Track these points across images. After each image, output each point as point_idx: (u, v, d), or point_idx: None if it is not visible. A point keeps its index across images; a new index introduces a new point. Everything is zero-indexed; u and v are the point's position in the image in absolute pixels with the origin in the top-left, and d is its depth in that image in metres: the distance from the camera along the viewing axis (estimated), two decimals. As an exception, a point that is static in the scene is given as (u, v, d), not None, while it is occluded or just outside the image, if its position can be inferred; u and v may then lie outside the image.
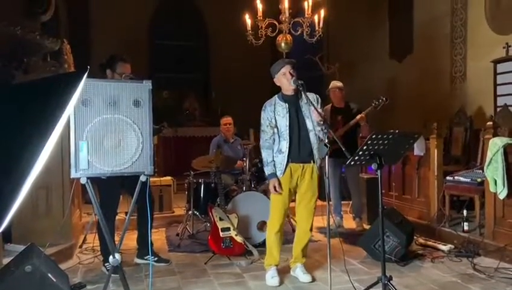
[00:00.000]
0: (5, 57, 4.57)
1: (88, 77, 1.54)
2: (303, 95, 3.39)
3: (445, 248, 4.31)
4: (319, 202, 3.74)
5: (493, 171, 4.00)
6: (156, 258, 4.04)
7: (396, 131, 2.86)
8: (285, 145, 3.48)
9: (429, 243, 4.51)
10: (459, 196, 5.04)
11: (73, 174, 2.51)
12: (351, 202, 5.58)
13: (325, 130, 3.29)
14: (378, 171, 2.82)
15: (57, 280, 2.93)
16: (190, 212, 4.93)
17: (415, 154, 5.08)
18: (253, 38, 6.16)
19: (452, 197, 4.95)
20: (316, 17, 6.11)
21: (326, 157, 3.20)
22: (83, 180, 2.53)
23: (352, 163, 2.86)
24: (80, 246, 4.57)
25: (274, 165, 3.52)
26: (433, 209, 4.93)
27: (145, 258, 3.98)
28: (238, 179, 5.26)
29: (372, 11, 8.71)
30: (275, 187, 3.49)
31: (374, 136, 2.76)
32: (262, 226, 4.50)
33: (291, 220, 4.89)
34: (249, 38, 6.15)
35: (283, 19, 6.04)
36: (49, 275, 2.91)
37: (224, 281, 3.66)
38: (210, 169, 4.98)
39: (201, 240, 4.71)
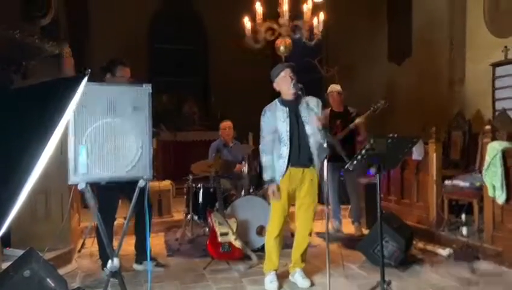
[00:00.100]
0: (3, 60, 4.57)
1: (88, 80, 1.54)
2: (302, 100, 3.39)
3: (444, 252, 4.31)
4: (318, 206, 3.74)
5: (491, 177, 3.99)
6: (154, 263, 4.03)
7: (395, 135, 2.86)
8: (285, 150, 3.48)
9: (428, 247, 4.50)
10: (458, 200, 5.03)
11: (72, 179, 2.49)
12: (349, 207, 5.56)
13: (325, 135, 3.28)
14: (377, 175, 2.83)
15: (55, 285, 2.92)
16: (189, 216, 4.92)
17: (413, 158, 5.07)
18: (252, 42, 6.17)
19: (451, 201, 4.95)
20: (315, 20, 6.12)
21: (325, 161, 3.19)
22: (82, 185, 2.52)
23: (350, 168, 2.86)
24: (79, 251, 4.56)
25: (273, 170, 3.52)
26: (432, 213, 4.93)
27: (143, 263, 3.97)
28: (237, 183, 5.26)
29: (371, 14, 8.74)
30: (273, 193, 3.49)
31: (372, 141, 2.76)
32: (261, 230, 4.48)
33: (290, 225, 4.88)
34: (249, 43, 6.16)
35: (282, 22, 6.04)
36: (48, 279, 2.90)
37: (222, 286, 3.65)
38: (209, 174, 4.97)
39: (200, 245, 4.70)
